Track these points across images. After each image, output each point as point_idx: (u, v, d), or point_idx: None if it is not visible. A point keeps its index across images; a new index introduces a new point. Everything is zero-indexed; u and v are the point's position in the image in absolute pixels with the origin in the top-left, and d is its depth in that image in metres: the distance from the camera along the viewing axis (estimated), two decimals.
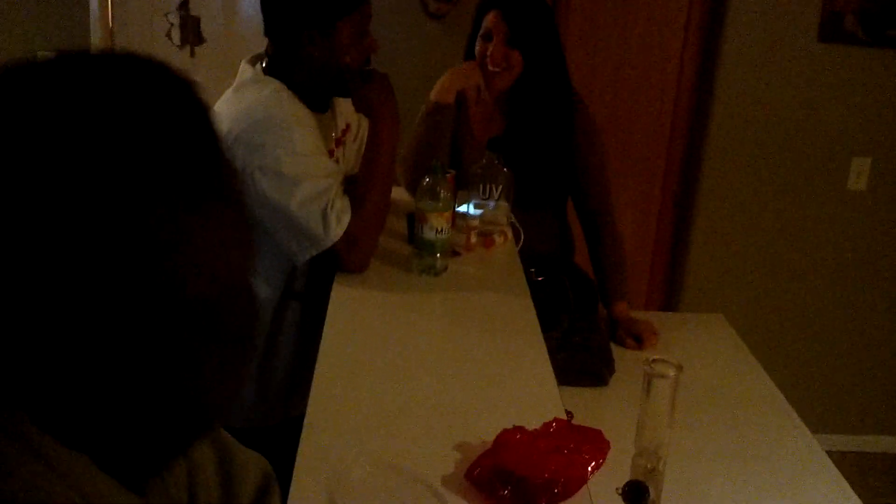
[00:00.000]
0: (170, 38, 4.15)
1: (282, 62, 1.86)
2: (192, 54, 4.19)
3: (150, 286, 0.55)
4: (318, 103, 1.93)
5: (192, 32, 4.16)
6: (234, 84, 1.86)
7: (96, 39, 3.95)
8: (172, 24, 4.14)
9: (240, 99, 1.80)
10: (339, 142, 2.06)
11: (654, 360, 1.44)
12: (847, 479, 1.74)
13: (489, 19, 2.25)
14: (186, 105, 0.60)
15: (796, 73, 3.36)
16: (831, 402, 3.72)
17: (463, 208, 2.09)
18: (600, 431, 1.23)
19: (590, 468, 1.18)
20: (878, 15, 3.27)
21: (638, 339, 2.22)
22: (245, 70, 1.88)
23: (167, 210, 0.56)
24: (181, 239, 0.56)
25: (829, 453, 1.85)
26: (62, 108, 0.54)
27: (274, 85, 1.81)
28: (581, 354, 2.00)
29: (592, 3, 3.41)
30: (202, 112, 0.61)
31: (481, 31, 2.27)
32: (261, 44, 4.03)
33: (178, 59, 4.13)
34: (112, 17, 4.05)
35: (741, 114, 3.40)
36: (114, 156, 0.54)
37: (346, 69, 1.86)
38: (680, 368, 1.42)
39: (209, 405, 0.63)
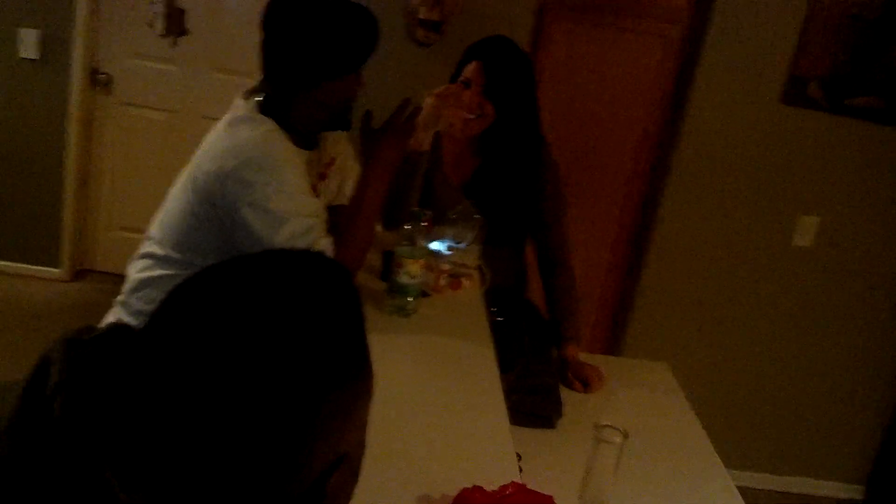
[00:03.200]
0: (152, 27, 4.19)
1: (278, 103, 1.93)
2: (175, 44, 4.23)
3: (319, 441, 0.70)
4: (308, 142, 2.01)
5: (176, 23, 4.20)
6: (228, 119, 1.92)
7: (81, 19, 3.98)
8: (157, 12, 4.18)
9: (233, 135, 1.86)
10: (323, 175, 2.15)
11: (603, 426, 1.57)
12: None
13: (470, 68, 2.36)
14: (354, 304, 0.75)
15: (757, 131, 3.52)
16: (759, 443, 3.91)
17: (435, 245, 2.20)
18: (551, 498, 1.35)
19: None
20: (840, 84, 3.44)
21: (585, 383, 2.35)
22: (239, 106, 1.93)
23: (341, 389, 0.71)
24: (346, 408, 0.72)
25: (751, 489, 2.00)
26: (272, 307, 0.69)
27: (268, 125, 1.87)
28: (532, 398, 2.13)
29: (570, 43, 3.54)
30: (359, 305, 0.76)
31: (461, 78, 2.38)
32: (242, 41, 4.09)
33: (159, 47, 4.18)
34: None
35: (700, 165, 3.55)
36: (313, 352, 0.69)
37: (345, 112, 1.96)
38: (626, 435, 1.55)
39: None
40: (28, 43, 3.95)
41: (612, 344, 3.87)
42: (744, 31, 3.40)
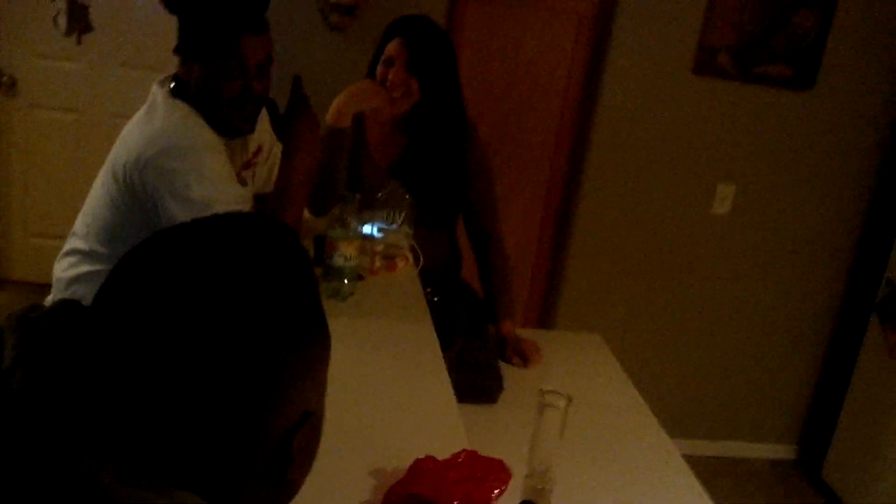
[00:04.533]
0: (56, 24, 4.06)
1: (187, 82, 1.88)
2: (79, 42, 4.11)
3: (283, 399, 0.70)
4: (229, 129, 1.93)
5: (79, 19, 4.08)
6: (145, 106, 1.87)
7: None
8: (60, 10, 4.05)
9: (150, 122, 1.81)
10: (249, 164, 2.11)
11: (546, 391, 1.59)
12: (701, 480, 1.94)
13: (392, 46, 2.34)
14: (305, 264, 0.75)
15: (671, 102, 3.59)
16: (692, 410, 4.01)
17: (366, 229, 2.19)
18: (502, 461, 1.36)
19: (493, 495, 1.31)
20: (749, 53, 3.54)
21: (523, 357, 2.38)
22: (156, 92, 1.88)
23: (301, 347, 0.71)
24: (307, 366, 0.72)
25: (688, 457, 2.05)
26: (223, 269, 0.68)
27: (183, 110, 1.83)
28: (473, 374, 2.14)
29: (484, 23, 3.55)
30: (309, 264, 0.76)
31: (384, 56, 2.36)
32: (149, 35, 4.01)
33: (63, 46, 4.05)
34: None
35: (618, 138, 3.61)
36: (267, 312, 0.69)
37: (221, 101, 1.86)
38: (569, 400, 1.57)
39: (300, 483, 0.78)
40: None
41: (545, 319, 3.91)
42: (653, 3, 3.46)
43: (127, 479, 0.62)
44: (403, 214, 2.21)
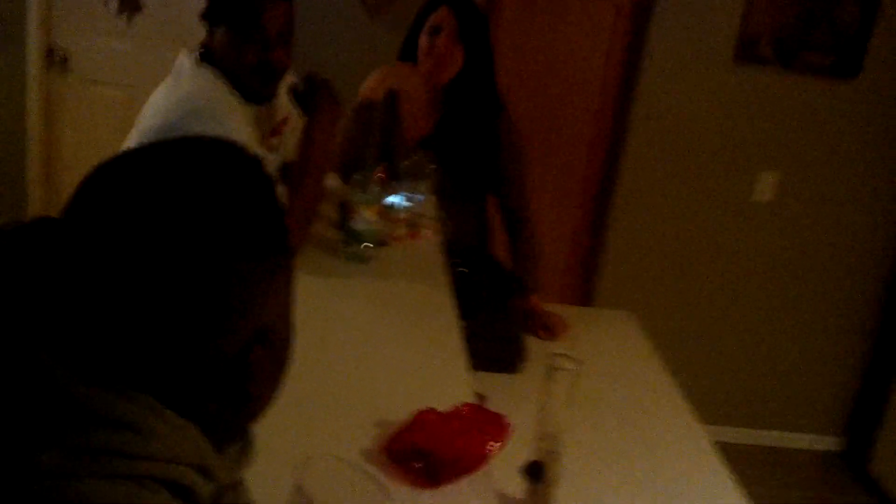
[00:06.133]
0: (106, 5, 4.15)
1: (211, 51, 1.93)
2: (129, 22, 4.19)
3: (236, 313, 0.72)
4: (255, 96, 1.97)
5: (129, 1, 4.16)
6: (172, 72, 1.92)
7: (32, 3, 3.94)
8: None
9: (177, 87, 1.86)
10: (276, 131, 2.15)
11: (557, 354, 1.60)
12: (739, 469, 1.93)
13: (440, 14, 2.36)
14: (264, 183, 0.76)
15: (711, 90, 3.56)
16: (733, 397, 3.97)
17: (392, 199, 2.22)
18: (503, 415, 1.38)
19: (489, 447, 1.32)
20: (790, 41, 3.49)
21: (549, 330, 2.39)
22: (182, 59, 1.93)
23: (254, 260, 0.72)
24: (262, 280, 0.73)
25: (728, 444, 2.04)
26: (178, 190, 0.70)
27: (208, 76, 1.87)
28: (495, 343, 2.16)
29: (522, 11, 3.56)
30: (271, 186, 0.77)
31: (430, 24, 2.37)
32: (197, 20, 4.07)
33: (113, 24, 4.14)
34: None
35: (658, 124, 3.59)
36: (222, 227, 0.70)
37: (242, 66, 1.90)
38: (580, 363, 1.58)
39: (266, 405, 0.81)
40: None
41: (584, 300, 3.90)
42: None
43: (84, 379, 0.65)
44: (427, 184, 2.24)
